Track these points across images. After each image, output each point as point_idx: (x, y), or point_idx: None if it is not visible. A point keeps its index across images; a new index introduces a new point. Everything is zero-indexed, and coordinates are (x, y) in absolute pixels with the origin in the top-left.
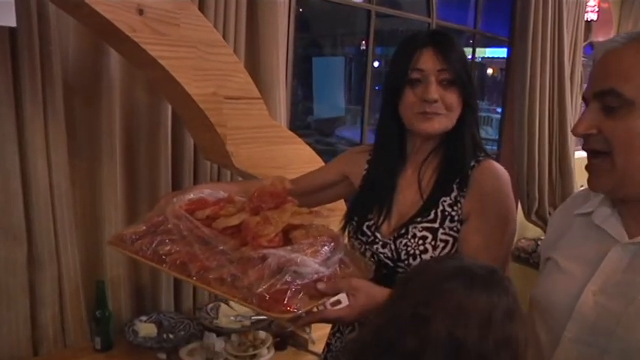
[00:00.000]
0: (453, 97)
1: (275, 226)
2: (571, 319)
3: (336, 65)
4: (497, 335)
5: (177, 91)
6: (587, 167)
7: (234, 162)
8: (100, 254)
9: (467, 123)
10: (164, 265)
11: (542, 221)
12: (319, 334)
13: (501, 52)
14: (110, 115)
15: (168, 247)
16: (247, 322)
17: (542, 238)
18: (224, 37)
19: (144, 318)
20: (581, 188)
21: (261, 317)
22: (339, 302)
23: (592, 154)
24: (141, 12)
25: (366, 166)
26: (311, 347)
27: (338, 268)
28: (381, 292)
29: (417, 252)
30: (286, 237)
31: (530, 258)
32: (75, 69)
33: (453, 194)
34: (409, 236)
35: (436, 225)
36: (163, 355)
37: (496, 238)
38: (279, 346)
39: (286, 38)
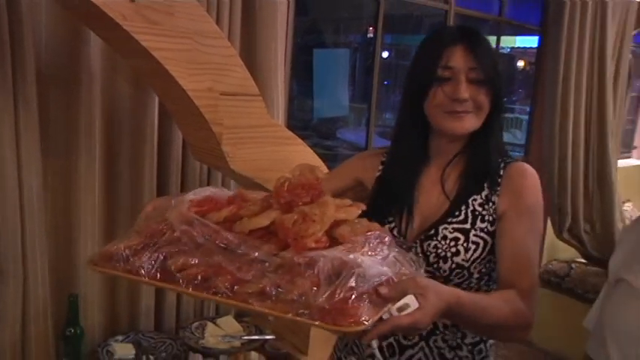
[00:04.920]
0: (483, 97)
1: (321, 223)
2: None
3: (338, 57)
4: None
5: (170, 85)
6: None
7: (230, 164)
8: (72, 264)
9: (493, 124)
10: (179, 285)
11: (576, 240)
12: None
13: (534, 42)
14: (89, 108)
15: (181, 261)
16: (237, 343)
17: (579, 260)
18: (217, 24)
19: (120, 338)
20: (627, 203)
21: (254, 337)
22: (406, 306)
23: None
24: None
25: (381, 167)
26: None
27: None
28: (449, 292)
29: (449, 254)
30: (329, 236)
31: (562, 283)
32: (50, 56)
33: (484, 193)
34: (439, 238)
35: (467, 226)
36: None
37: (534, 228)
38: None
39: (285, 27)
